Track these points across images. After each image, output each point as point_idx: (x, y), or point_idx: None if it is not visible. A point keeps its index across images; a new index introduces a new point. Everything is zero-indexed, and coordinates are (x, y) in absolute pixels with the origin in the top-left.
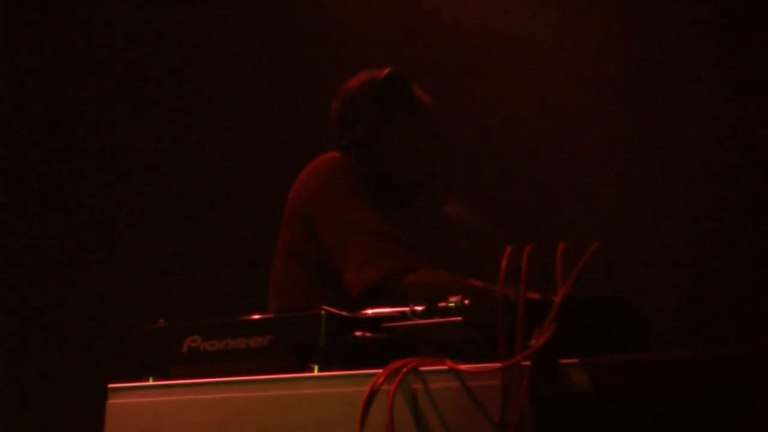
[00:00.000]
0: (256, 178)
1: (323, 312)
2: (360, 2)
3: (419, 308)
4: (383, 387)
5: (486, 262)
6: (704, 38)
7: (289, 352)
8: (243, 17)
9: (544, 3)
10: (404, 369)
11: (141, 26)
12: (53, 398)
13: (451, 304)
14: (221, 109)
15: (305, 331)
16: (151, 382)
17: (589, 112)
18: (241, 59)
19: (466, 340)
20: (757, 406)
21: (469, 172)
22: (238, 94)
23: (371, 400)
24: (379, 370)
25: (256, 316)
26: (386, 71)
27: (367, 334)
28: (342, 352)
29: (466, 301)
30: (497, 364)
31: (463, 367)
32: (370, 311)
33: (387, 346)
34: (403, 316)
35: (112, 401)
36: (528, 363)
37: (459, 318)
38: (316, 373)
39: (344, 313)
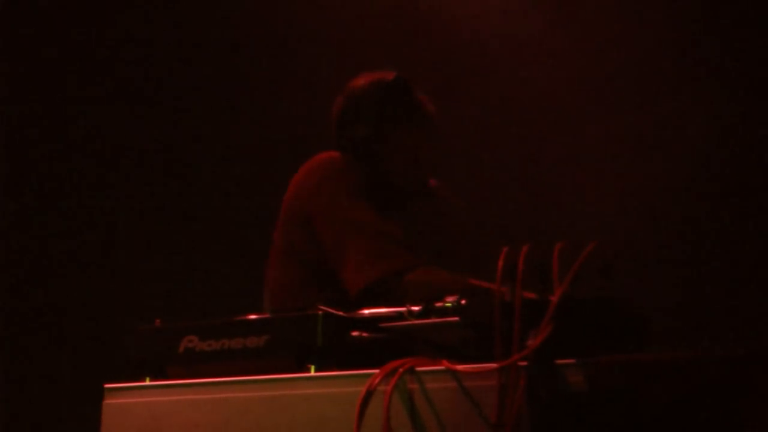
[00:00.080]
0: (252, 177)
1: (320, 312)
2: (359, 3)
3: (416, 308)
4: (380, 387)
5: (481, 260)
6: (704, 37)
7: (286, 352)
8: (242, 18)
9: (544, 2)
10: (401, 369)
11: (141, 26)
12: (50, 398)
13: (448, 304)
14: (219, 109)
15: (302, 332)
16: (147, 383)
17: (586, 111)
18: (239, 60)
19: (463, 340)
20: (754, 407)
21: (466, 172)
22: (236, 94)
23: (368, 401)
24: (376, 371)
25: (253, 317)
26: (394, 75)
27: (364, 335)
28: (339, 353)
29: (463, 301)
30: (494, 365)
31: (459, 367)
32: (366, 311)
33: (384, 346)
34: (399, 316)
35: (109, 401)
36: (525, 363)
37: (456, 318)
38: (312, 373)
39: (341, 313)
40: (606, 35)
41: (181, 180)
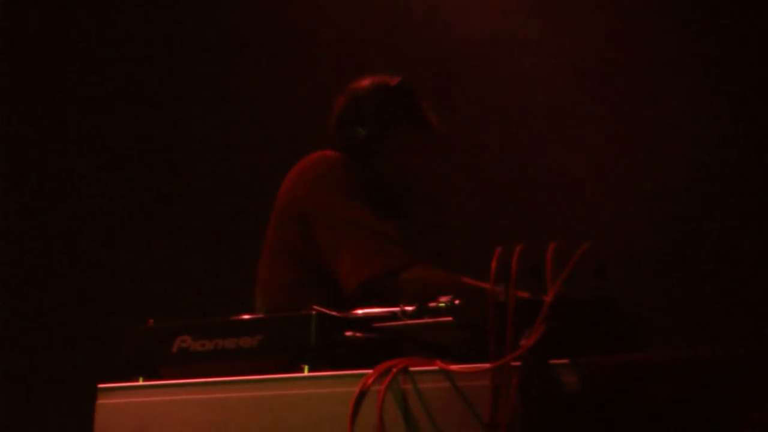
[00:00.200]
0: (244, 177)
1: (314, 312)
2: (357, 3)
3: (410, 308)
4: (373, 387)
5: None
6: (702, 37)
7: (280, 352)
8: (241, 18)
9: (544, 2)
10: (394, 369)
11: (140, 26)
12: (42, 398)
13: (442, 304)
14: (215, 109)
15: (296, 331)
16: (141, 383)
17: (583, 111)
18: (237, 60)
19: (457, 340)
20: (748, 407)
21: (463, 172)
22: (232, 94)
23: (361, 401)
24: (370, 371)
25: (247, 316)
26: (398, 79)
27: (358, 335)
28: (332, 353)
29: (457, 301)
30: (487, 365)
31: (453, 367)
32: (360, 311)
33: (377, 346)
34: (393, 316)
35: (102, 401)
36: (518, 363)
37: (449, 318)
38: (306, 373)
39: (335, 313)
40: (604, 35)
41: (176, 180)
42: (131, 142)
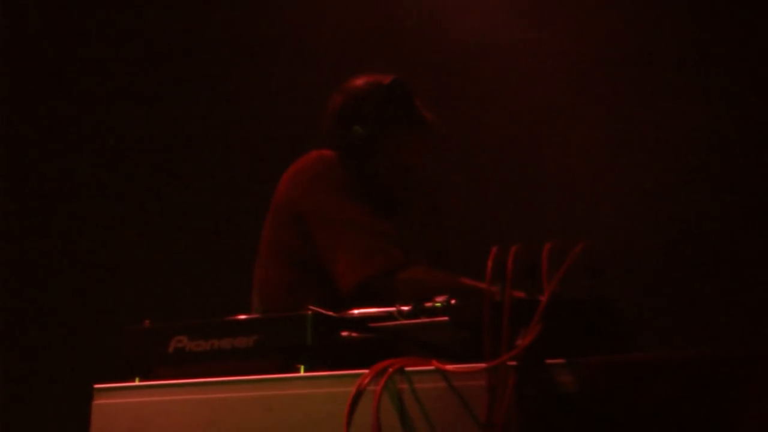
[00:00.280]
0: (244, 177)
1: (310, 312)
2: (355, 5)
3: (406, 308)
4: (369, 387)
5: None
6: (702, 37)
7: (276, 352)
8: (241, 18)
9: (543, 2)
10: (390, 369)
11: (141, 26)
12: (39, 398)
13: (438, 304)
14: (215, 110)
15: (292, 332)
16: (137, 383)
17: (582, 111)
18: (236, 60)
19: (453, 340)
20: (748, 407)
21: (462, 172)
22: (232, 95)
23: (357, 401)
24: (366, 371)
25: (243, 317)
26: (392, 77)
27: (354, 335)
28: (328, 353)
29: (453, 301)
30: (483, 364)
31: (449, 367)
32: (356, 311)
33: (374, 346)
34: (389, 316)
35: (98, 402)
36: (514, 363)
37: (445, 318)
38: (302, 373)
39: (331, 313)
40: (603, 36)
41: (174, 180)
42: (131, 142)
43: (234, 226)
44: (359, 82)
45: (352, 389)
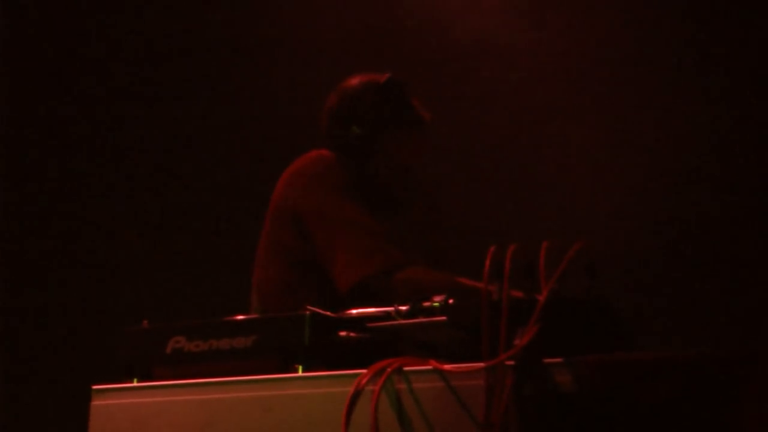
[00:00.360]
0: (243, 178)
1: (308, 312)
2: (355, 5)
3: (404, 308)
4: (368, 387)
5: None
6: (702, 37)
7: (274, 352)
8: (240, 18)
9: (543, 3)
10: (389, 369)
11: (140, 26)
12: (37, 399)
13: (436, 304)
14: (215, 110)
15: (290, 332)
16: (135, 384)
17: (579, 111)
18: (235, 60)
19: (451, 340)
20: (748, 407)
21: (460, 172)
22: (232, 95)
23: (356, 401)
24: (364, 371)
25: (240, 317)
26: (387, 77)
27: (352, 335)
28: (326, 353)
29: (451, 301)
30: (481, 364)
31: (447, 366)
32: (354, 311)
33: (372, 346)
34: (387, 316)
35: (96, 402)
36: (512, 362)
37: (443, 318)
38: (300, 373)
39: (329, 313)
40: (601, 36)
41: (173, 181)
42: (131, 142)
43: (233, 226)
44: (355, 81)
45: (351, 389)
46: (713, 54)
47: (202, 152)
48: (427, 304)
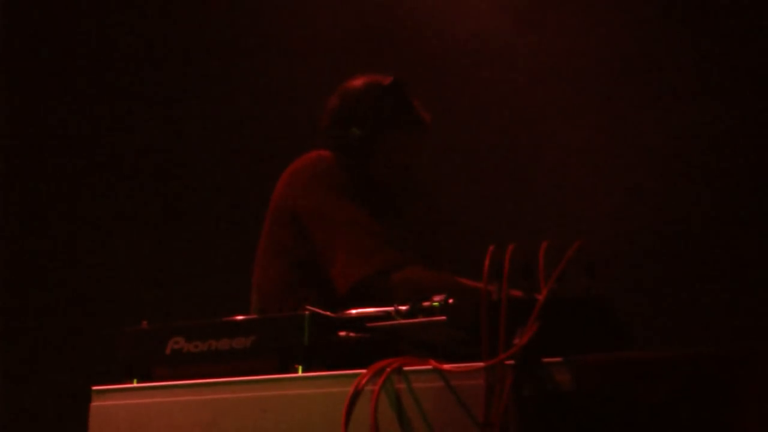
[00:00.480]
0: (243, 178)
1: (307, 312)
2: (354, 5)
3: (403, 308)
4: (367, 387)
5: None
6: (702, 37)
7: (273, 352)
8: (239, 18)
9: (543, 3)
10: (388, 369)
11: (141, 26)
12: (37, 399)
13: (435, 304)
14: (215, 110)
15: (289, 332)
16: (134, 384)
17: (578, 111)
18: (235, 61)
19: (450, 340)
20: (738, 406)
21: (460, 172)
22: (232, 95)
23: (355, 401)
24: (363, 371)
25: (240, 317)
26: (391, 78)
27: (351, 334)
28: (326, 353)
29: (450, 301)
30: (481, 364)
31: (446, 366)
32: (354, 311)
33: (371, 346)
34: (387, 315)
35: (96, 403)
36: (512, 362)
37: (443, 317)
38: (300, 373)
39: (328, 313)
40: (601, 36)
41: (172, 181)
42: (130, 142)
43: (233, 226)
44: (357, 82)
45: (350, 389)
46: (713, 54)
47: (202, 152)
48: (426, 304)
